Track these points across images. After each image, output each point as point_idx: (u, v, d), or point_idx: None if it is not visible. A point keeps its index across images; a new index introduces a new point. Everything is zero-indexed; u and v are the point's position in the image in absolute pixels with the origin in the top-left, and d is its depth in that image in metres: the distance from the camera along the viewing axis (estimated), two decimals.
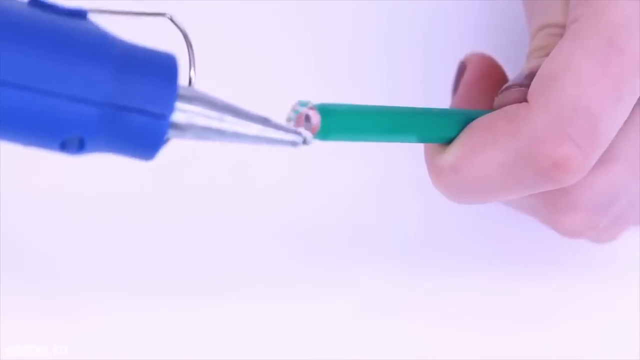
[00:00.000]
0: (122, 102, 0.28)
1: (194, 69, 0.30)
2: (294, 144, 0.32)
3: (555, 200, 0.39)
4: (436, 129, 0.36)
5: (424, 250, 0.46)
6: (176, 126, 0.29)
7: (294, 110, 0.33)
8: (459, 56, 0.42)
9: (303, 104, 0.33)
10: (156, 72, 0.28)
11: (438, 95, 0.43)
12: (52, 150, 0.28)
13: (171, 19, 0.29)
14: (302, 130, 0.32)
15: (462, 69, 0.41)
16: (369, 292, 0.45)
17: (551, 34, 0.39)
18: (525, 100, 0.36)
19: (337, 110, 0.34)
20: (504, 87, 0.37)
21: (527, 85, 0.36)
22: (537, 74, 0.36)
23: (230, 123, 0.30)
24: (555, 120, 0.34)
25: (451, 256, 0.46)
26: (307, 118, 0.32)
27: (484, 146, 0.35)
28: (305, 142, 0.32)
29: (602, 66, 0.34)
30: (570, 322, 0.46)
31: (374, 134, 0.35)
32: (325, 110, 0.33)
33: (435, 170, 0.37)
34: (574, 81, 0.34)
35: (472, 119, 0.37)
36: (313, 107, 0.33)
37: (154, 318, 0.44)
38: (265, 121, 0.31)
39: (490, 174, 0.35)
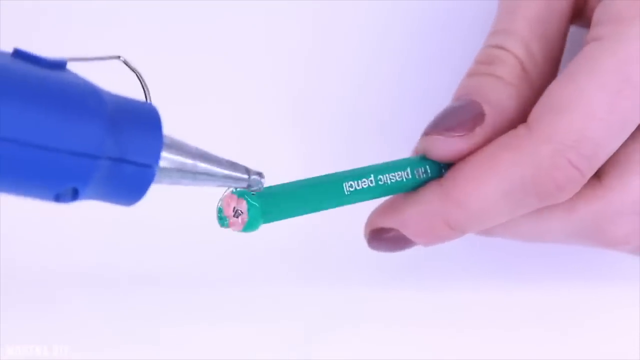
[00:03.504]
0: (114, 154, 0.28)
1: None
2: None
3: (596, 216, 0.39)
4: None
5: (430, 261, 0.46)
6: (158, 172, 0.30)
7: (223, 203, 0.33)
8: (458, 56, 0.41)
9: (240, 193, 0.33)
10: (143, 125, 0.29)
11: (436, 96, 0.42)
12: (46, 200, 0.28)
13: (125, 62, 0.30)
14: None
15: (477, 109, 0.38)
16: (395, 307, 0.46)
17: (491, 46, 0.39)
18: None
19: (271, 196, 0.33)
20: (429, 128, 0.38)
21: (465, 126, 0.37)
22: (543, 97, 0.36)
23: (202, 168, 0.31)
24: (559, 150, 0.35)
25: (452, 267, 0.46)
26: (238, 211, 0.33)
27: (489, 176, 0.36)
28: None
29: (613, 102, 0.35)
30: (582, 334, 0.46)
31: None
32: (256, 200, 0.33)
33: (421, 216, 0.37)
34: (582, 115, 0.35)
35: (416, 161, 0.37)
36: (242, 199, 0.33)
37: (153, 319, 0.44)
38: (232, 165, 0.32)
39: (495, 202, 0.36)
